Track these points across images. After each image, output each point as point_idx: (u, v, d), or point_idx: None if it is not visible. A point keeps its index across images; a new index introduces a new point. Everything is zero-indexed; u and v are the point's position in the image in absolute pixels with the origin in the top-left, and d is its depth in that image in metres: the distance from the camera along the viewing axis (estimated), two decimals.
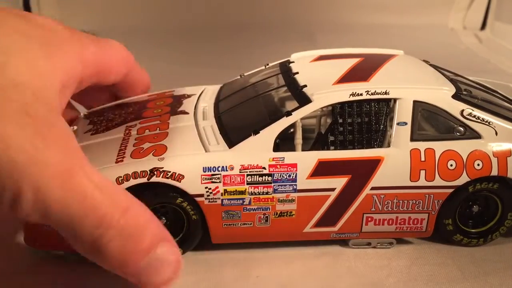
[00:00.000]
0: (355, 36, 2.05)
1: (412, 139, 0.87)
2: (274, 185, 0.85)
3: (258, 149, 0.85)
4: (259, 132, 0.85)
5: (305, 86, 0.90)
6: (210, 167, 0.84)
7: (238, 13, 2.19)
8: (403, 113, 0.88)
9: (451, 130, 0.89)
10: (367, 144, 0.87)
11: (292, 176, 0.85)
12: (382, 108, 0.88)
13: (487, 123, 0.89)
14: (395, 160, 0.86)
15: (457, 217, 0.91)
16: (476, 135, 0.89)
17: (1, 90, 0.63)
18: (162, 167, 0.83)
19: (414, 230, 0.91)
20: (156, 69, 1.16)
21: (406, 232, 0.91)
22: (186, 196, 0.84)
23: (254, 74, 1.07)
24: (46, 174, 0.62)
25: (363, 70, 0.94)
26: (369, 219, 0.89)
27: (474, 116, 0.89)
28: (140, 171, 0.82)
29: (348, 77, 0.91)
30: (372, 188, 0.87)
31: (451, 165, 0.87)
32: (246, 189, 0.85)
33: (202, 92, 1.07)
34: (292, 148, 0.86)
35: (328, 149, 0.86)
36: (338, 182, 0.86)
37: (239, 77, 1.09)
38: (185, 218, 0.87)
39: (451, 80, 0.95)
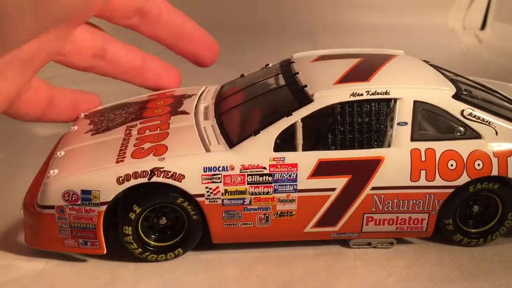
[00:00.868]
0: (355, 36, 2.05)
1: (412, 139, 0.87)
2: (274, 185, 0.85)
3: (258, 149, 0.85)
4: (259, 132, 0.85)
5: (306, 86, 0.90)
6: (211, 167, 0.84)
7: (238, 13, 2.19)
8: (404, 113, 0.88)
9: (451, 130, 0.89)
10: (367, 144, 0.87)
11: (293, 176, 0.85)
12: (383, 108, 0.88)
13: (487, 123, 0.89)
14: (396, 160, 0.86)
15: (457, 217, 0.91)
16: (477, 135, 0.89)
17: None
18: (163, 167, 0.83)
19: (414, 230, 0.91)
20: None
21: (406, 232, 0.91)
22: (186, 196, 0.84)
23: (255, 74, 1.08)
24: None
25: (363, 70, 0.94)
26: (370, 219, 0.89)
27: (475, 116, 0.89)
28: (141, 171, 0.82)
29: (348, 77, 0.91)
30: (373, 188, 0.87)
31: (452, 165, 0.87)
32: (246, 189, 0.85)
33: (202, 92, 1.07)
34: (293, 148, 0.86)
35: (329, 149, 0.86)
36: (339, 182, 0.86)
37: (239, 77, 1.09)
38: (186, 218, 0.87)
39: (452, 80, 0.95)
